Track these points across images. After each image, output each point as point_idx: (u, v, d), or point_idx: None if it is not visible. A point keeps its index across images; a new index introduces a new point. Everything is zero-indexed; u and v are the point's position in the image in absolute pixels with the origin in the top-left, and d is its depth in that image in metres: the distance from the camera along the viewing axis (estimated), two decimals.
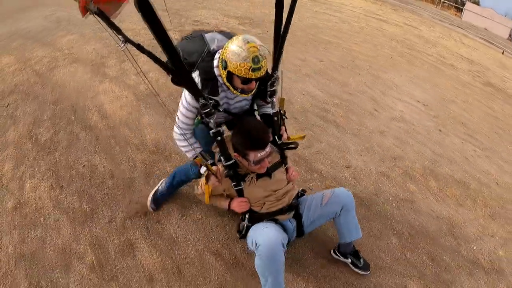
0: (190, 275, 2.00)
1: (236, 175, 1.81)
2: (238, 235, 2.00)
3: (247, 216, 1.90)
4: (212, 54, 1.74)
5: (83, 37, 4.91)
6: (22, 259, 2.00)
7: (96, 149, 2.83)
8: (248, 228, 1.89)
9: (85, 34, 5.00)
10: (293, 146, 1.96)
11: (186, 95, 1.73)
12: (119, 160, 2.74)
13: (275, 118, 1.90)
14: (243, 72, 1.53)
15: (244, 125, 1.74)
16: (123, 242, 2.13)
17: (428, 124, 4.39)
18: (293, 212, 1.95)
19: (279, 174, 1.91)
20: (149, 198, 2.29)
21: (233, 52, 1.53)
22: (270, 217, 1.88)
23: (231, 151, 1.78)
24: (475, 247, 2.65)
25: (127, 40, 1.25)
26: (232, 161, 1.78)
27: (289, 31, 1.70)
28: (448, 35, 12.51)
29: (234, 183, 1.82)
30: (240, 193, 1.86)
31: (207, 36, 1.83)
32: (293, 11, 1.62)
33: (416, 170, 3.35)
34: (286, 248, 1.71)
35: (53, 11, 6.26)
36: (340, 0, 12.79)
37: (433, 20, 15.76)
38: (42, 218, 2.24)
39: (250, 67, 1.51)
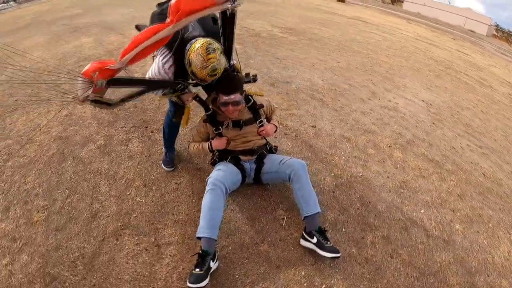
0: (155, 159, 2.68)
1: (215, 121, 2.18)
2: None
3: (217, 153, 2.28)
4: (185, 42, 1.85)
5: None
6: (58, 139, 2.92)
7: None
8: (216, 159, 2.28)
9: None
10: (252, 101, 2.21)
11: (155, 69, 1.95)
12: (144, 99, 3.55)
13: None
14: (201, 76, 1.78)
15: (224, 75, 1.98)
16: (124, 137, 2.93)
17: (422, 117, 4.21)
18: (255, 157, 2.24)
19: (250, 128, 2.22)
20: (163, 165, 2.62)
21: (196, 59, 1.73)
22: (235, 154, 2.21)
23: (210, 105, 2.18)
24: (423, 211, 2.54)
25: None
26: (211, 111, 2.16)
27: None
28: (504, 66, 11.05)
29: (214, 127, 2.18)
30: (220, 135, 2.22)
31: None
32: (233, 25, 1.89)
33: (384, 142, 3.33)
34: (229, 190, 2.01)
35: (130, 11, 7.78)
36: (396, 25, 12.42)
37: (494, 53, 14.08)
38: (81, 121, 3.18)
39: (208, 73, 1.76)
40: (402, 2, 30.04)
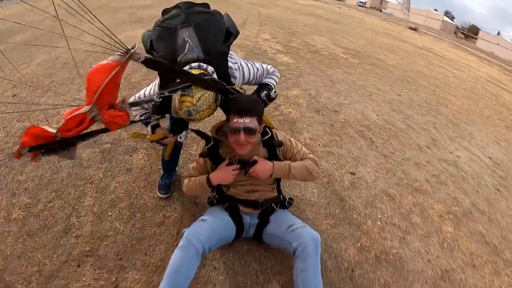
0: (153, 179, 2.24)
1: (216, 155, 1.63)
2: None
3: (215, 193, 1.75)
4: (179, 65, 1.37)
5: None
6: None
7: None
8: (214, 199, 1.74)
9: None
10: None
11: (150, 90, 1.59)
12: None
13: None
14: (181, 115, 1.28)
15: (239, 94, 1.50)
16: (132, 146, 2.54)
17: (487, 179, 3.24)
18: (258, 211, 1.66)
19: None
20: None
21: (175, 96, 1.25)
22: (234, 202, 1.66)
23: (213, 134, 1.64)
24: None
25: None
26: (211, 143, 1.63)
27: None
28: None
29: (214, 164, 1.63)
30: None
31: (179, 38, 1.36)
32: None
33: (435, 209, 2.52)
34: (210, 250, 1.45)
35: None
36: (468, 62, 10.74)
37: None
38: None
39: (183, 116, 1.26)
40: (475, 38, 26.68)
